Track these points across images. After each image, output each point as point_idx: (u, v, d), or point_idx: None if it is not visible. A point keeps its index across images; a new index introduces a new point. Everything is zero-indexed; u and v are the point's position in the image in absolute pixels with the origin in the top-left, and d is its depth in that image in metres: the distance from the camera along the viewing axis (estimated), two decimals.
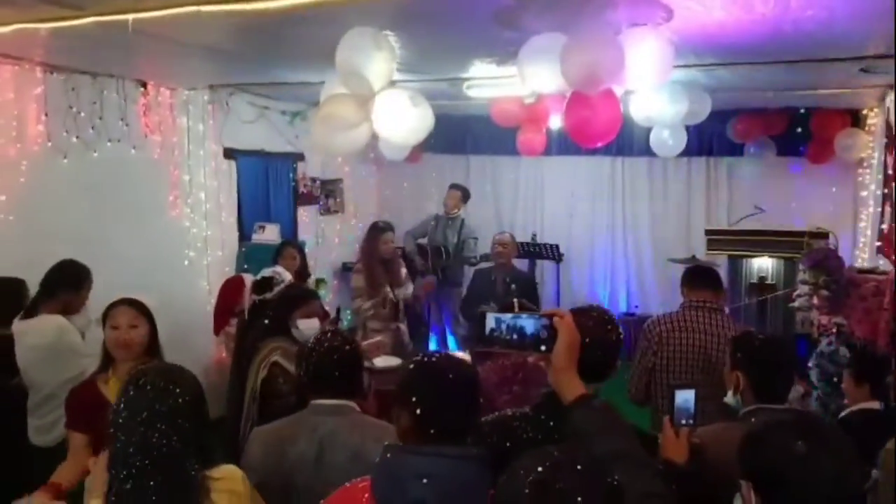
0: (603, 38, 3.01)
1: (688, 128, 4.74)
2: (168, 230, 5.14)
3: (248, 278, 4.22)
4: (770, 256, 5.39)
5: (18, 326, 3.25)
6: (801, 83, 4.79)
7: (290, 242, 5.21)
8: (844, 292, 3.93)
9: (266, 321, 3.21)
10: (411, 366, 1.60)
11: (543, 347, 1.50)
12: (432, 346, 6.20)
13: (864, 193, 5.77)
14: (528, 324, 1.52)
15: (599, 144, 3.81)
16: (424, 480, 1.38)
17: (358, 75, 3.04)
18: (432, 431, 1.47)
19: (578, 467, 1.10)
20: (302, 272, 4.72)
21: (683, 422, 1.83)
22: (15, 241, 3.93)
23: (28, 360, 3.22)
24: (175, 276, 5.13)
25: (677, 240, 6.79)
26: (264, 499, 1.93)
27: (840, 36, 3.27)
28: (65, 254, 3.52)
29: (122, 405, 1.70)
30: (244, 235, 5.88)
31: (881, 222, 4.65)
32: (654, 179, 7.02)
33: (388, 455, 1.47)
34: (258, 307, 3.47)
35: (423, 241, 6.39)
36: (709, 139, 6.48)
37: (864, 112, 5.84)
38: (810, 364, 3.41)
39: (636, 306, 6.98)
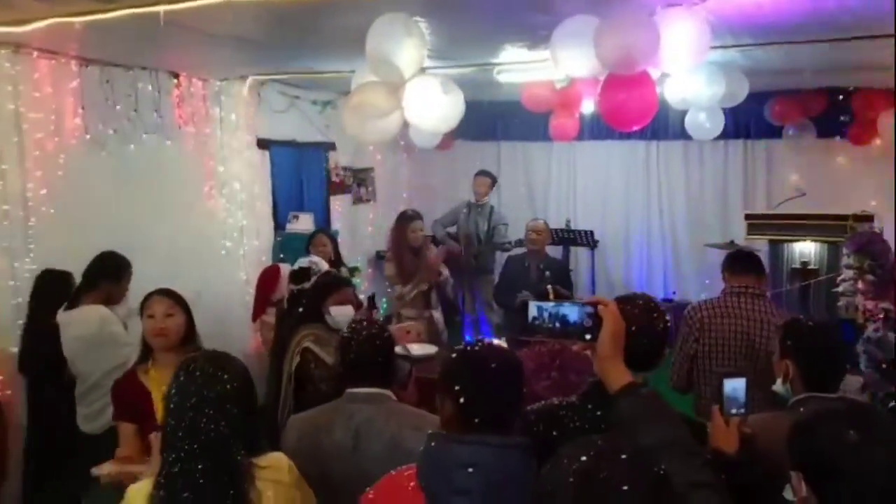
0: (638, 20, 2.95)
1: (724, 110, 4.63)
2: (205, 221, 5.20)
3: (285, 267, 4.27)
4: (812, 241, 5.25)
5: (63, 317, 3.33)
6: (843, 62, 4.63)
7: (322, 230, 5.24)
8: (890, 276, 3.82)
9: (301, 309, 3.25)
10: (454, 354, 1.59)
11: (588, 336, 1.48)
12: (466, 334, 6.18)
13: None
14: (572, 312, 1.50)
15: (635, 128, 3.74)
16: (469, 470, 1.38)
17: (388, 63, 3.02)
18: (476, 420, 1.47)
19: (623, 456, 1.08)
20: (334, 260, 4.75)
21: (734, 411, 1.79)
22: (56, 234, 4.00)
23: (73, 350, 3.29)
24: (212, 266, 5.19)
25: (714, 224, 6.66)
26: None
27: (884, 11, 3.15)
28: (104, 245, 3.58)
29: (173, 390, 1.73)
30: (279, 225, 5.93)
31: None
32: (689, 163, 6.89)
33: (433, 444, 1.47)
34: (296, 296, 3.52)
35: (453, 229, 6.36)
36: (746, 121, 6.33)
37: None
38: (858, 349, 3.32)
39: (673, 292, 6.88)
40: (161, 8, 2.82)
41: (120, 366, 2.98)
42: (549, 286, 3.50)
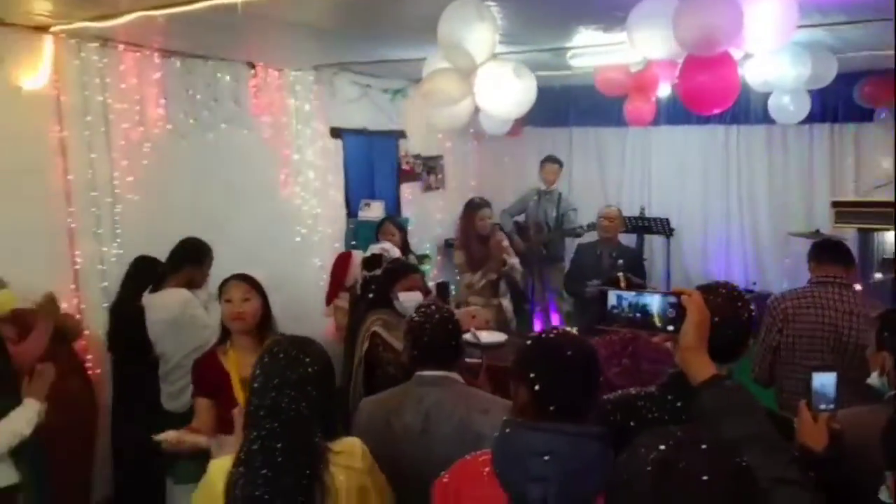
0: None
1: (810, 92, 4.40)
2: (280, 208, 5.33)
3: (357, 254, 4.35)
4: None
5: (147, 300, 3.48)
6: None
7: (390, 218, 5.29)
8: None
9: (371, 295, 3.30)
10: (529, 341, 1.58)
11: (671, 327, 1.43)
12: (536, 323, 6.13)
13: None
14: (653, 302, 1.45)
15: (715, 112, 3.61)
16: (545, 457, 1.36)
17: (460, 48, 3.00)
18: (551, 408, 1.45)
19: (704, 446, 1.04)
20: (402, 248, 4.79)
21: (822, 406, 1.71)
22: (141, 220, 4.18)
23: (157, 331, 3.44)
24: (288, 252, 5.32)
25: (798, 212, 6.36)
26: None
27: None
28: (186, 231, 3.71)
29: (257, 371, 1.79)
30: (351, 212, 6.02)
31: None
32: (772, 148, 6.59)
33: (507, 430, 1.46)
34: (367, 283, 3.57)
35: (521, 218, 6.31)
36: (833, 104, 5.99)
37: None
38: None
39: (754, 283, 6.62)
40: None
41: (201, 347, 3.09)
42: (619, 273, 3.42)
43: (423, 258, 5.73)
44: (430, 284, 4.35)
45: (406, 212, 6.62)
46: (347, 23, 3.83)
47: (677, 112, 6.17)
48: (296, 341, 1.85)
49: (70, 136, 3.84)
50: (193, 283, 3.55)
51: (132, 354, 3.62)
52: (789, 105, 4.45)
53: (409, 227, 6.24)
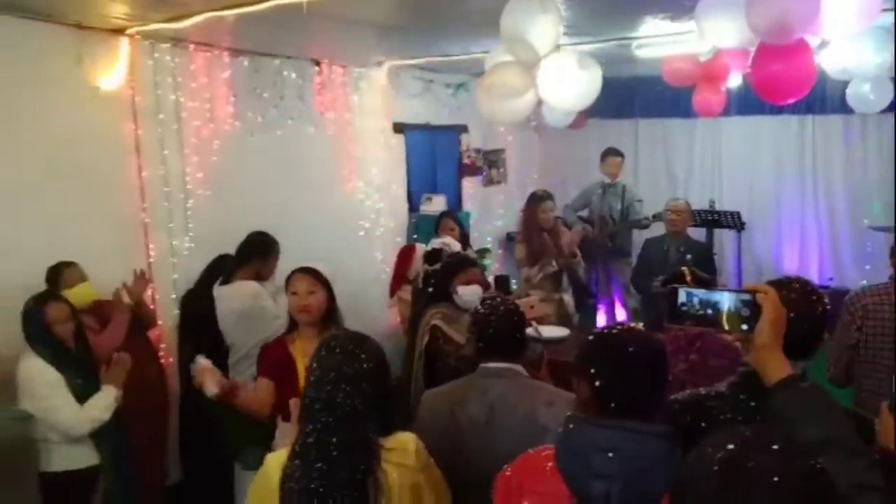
0: None
1: (893, 80, 4.17)
2: (344, 203, 5.41)
3: (420, 247, 4.39)
4: None
5: (218, 292, 3.59)
6: None
7: (448, 213, 5.30)
8: None
9: (430, 289, 3.32)
10: (591, 337, 1.55)
11: (745, 326, 1.38)
12: (600, 318, 6.04)
13: None
14: (725, 299, 1.40)
15: (790, 101, 3.46)
16: (609, 454, 1.34)
17: (523, 41, 2.97)
18: (612, 405, 1.43)
19: (775, 447, 0.99)
20: (462, 242, 4.79)
21: None
22: (212, 215, 4.32)
23: (227, 322, 3.54)
24: (351, 246, 5.40)
25: (878, 206, 6.05)
26: (436, 462, 1.96)
27: None
28: (254, 225, 3.81)
29: (314, 364, 1.81)
30: (413, 207, 6.06)
31: None
32: (850, 139, 6.29)
33: (571, 426, 1.44)
34: (428, 276, 3.60)
35: (584, 213, 6.21)
36: None
37: None
38: None
39: (830, 279, 6.34)
40: None
41: (268, 337, 3.16)
42: (683, 268, 3.31)
43: (483, 252, 5.72)
44: (490, 278, 4.35)
45: (467, 206, 6.62)
46: (410, 19, 3.85)
47: (749, 102, 5.94)
48: (352, 337, 1.87)
49: (144, 134, 4.00)
50: (261, 276, 3.64)
51: (202, 344, 3.74)
52: (869, 94, 4.22)
53: (471, 221, 6.26)
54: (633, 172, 7.00)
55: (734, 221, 6.20)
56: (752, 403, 1.46)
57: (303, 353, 2.65)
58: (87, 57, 3.65)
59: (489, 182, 7.00)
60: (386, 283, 4.94)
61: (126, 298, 3.50)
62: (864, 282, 5.14)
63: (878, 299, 2.85)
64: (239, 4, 3.14)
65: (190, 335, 3.90)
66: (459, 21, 3.81)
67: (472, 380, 2.19)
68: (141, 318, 3.62)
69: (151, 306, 3.93)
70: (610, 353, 1.49)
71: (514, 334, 2.19)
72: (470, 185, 6.76)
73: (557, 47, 3.10)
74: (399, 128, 5.86)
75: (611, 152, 6.08)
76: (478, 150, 6.80)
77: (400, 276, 4.61)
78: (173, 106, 4.14)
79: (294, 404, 1.91)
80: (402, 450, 1.79)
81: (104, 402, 2.91)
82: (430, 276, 3.59)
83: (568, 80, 3.01)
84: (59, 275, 3.25)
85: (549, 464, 1.44)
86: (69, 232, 3.55)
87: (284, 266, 3.57)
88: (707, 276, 4.47)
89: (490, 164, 7.00)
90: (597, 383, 1.44)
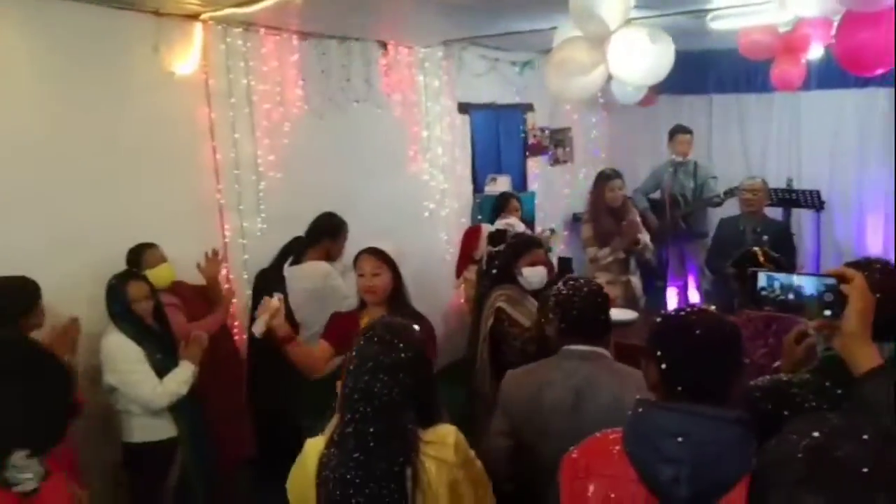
0: None
1: None
2: (409, 184, 5.44)
3: (486, 227, 4.39)
4: None
5: (289, 272, 3.68)
6: None
7: (508, 193, 5.24)
8: None
9: (494, 270, 3.30)
10: (659, 318, 1.52)
11: (829, 312, 1.32)
12: (671, 301, 5.90)
13: None
14: (808, 284, 1.34)
15: (877, 72, 3.28)
16: (679, 439, 1.31)
17: (592, 15, 2.90)
18: (679, 388, 1.40)
19: (865, 436, 0.94)
20: (525, 222, 4.76)
21: None
22: (283, 196, 4.41)
23: (298, 300, 3.63)
24: (416, 227, 5.43)
25: None
26: (518, 443, 1.94)
27: None
28: (323, 206, 3.88)
29: (353, 353, 1.79)
30: (477, 187, 6.04)
31: None
32: None
33: (640, 409, 1.42)
34: (492, 258, 3.59)
35: (657, 195, 6.03)
36: None
37: None
38: None
39: None
40: None
41: None
42: (755, 248, 3.16)
43: (550, 233, 5.65)
44: (553, 260, 4.30)
45: (532, 186, 6.55)
46: None
47: (831, 75, 5.66)
48: (392, 326, 1.84)
49: (217, 118, 4.10)
50: (330, 256, 3.72)
51: None
52: None
53: (536, 202, 6.19)
54: (707, 151, 6.76)
55: (813, 200, 5.93)
56: (839, 391, 1.40)
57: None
58: (163, 43, 3.75)
59: (555, 161, 6.90)
60: (451, 264, 4.95)
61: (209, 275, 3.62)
62: None
63: None
64: None
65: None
66: None
67: (554, 361, 2.15)
68: (213, 297, 3.73)
69: (226, 286, 4.05)
70: (677, 335, 1.45)
71: (598, 316, 2.14)
72: (535, 165, 6.68)
73: (628, 21, 3.02)
74: (464, 108, 5.84)
75: (679, 130, 5.89)
76: (543, 129, 6.71)
77: (466, 257, 4.63)
78: (245, 90, 4.23)
79: (340, 386, 1.90)
80: (442, 443, 1.75)
81: (182, 377, 3.03)
82: (494, 257, 3.57)
83: (638, 55, 2.93)
84: (141, 256, 3.38)
85: (617, 447, 1.43)
86: (148, 214, 3.69)
87: (350, 246, 3.64)
88: (780, 256, 4.30)
89: (556, 143, 6.90)
90: (663, 366, 1.42)
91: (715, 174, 5.80)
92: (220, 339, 3.64)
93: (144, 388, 2.97)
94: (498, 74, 6.06)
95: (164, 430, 3.06)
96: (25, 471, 1.40)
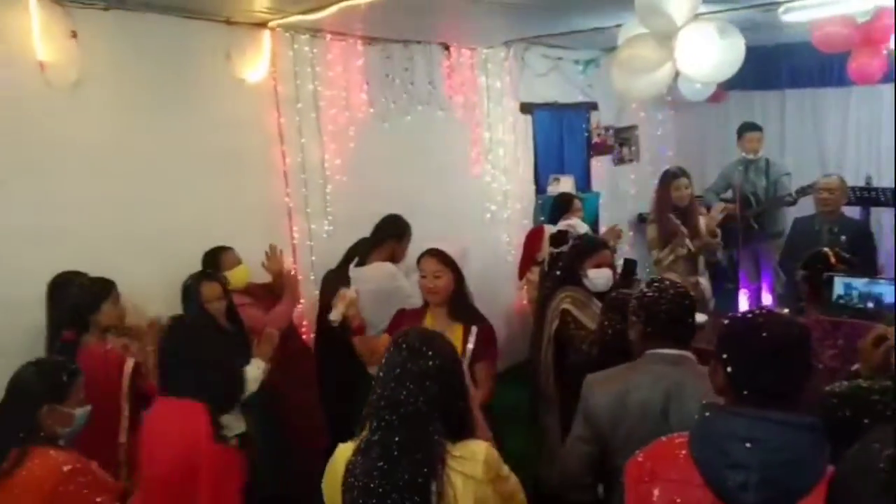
0: None
1: None
2: (471, 186, 5.45)
3: (549, 228, 4.35)
4: None
5: (355, 272, 3.75)
6: None
7: (572, 194, 5.18)
8: None
9: (558, 272, 3.28)
10: (726, 321, 1.49)
11: None
12: (742, 303, 5.72)
13: None
14: (888, 292, 1.29)
15: None
16: (748, 444, 1.28)
17: (659, 11, 2.85)
18: (745, 392, 1.37)
19: None
20: (588, 223, 4.71)
21: None
22: (349, 199, 4.50)
23: (363, 300, 3.67)
24: (478, 228, 5.44)
25: None
26: (602, 448, 1.92)
27: None
28: (387, 209, 3.93)
29: (383, 361, 1.77)
30: (539, 188, 6.00)
31: None
32: None
33: (707, 414, 1.39)
34: (554, 259, 3.57)
35: (728, 194, 5.85)
36: None
37: None
38: None
39: None
40: None
41: None
42: (825, 249, 3.00)
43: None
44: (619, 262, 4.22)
45: (596, 186, 6.47)
46: None
47: None
48: (422, 334, 1.81)
49: (285, 123, 4.21)
50: (395, 258, 3.76)
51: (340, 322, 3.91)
52: None
53: (600, 202, 6.11)
54: (780, 148, 6.53)
55: (894, 199, 5.65)
56: None
57: (431, 326, 2.76)
58: (234, 51, 3.89)
59: (620, 161, 6.79)
60: (513, 266, 4.94)
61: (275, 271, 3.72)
62: None
63: None
64: None
65: (328, 313, 4.08)
66: None
67: (640, 366, 2.11)
68: (281, 292, 3.81)
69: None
70: (744, 337, 1.42)
71: (686, 319, 2.08)
72: (599, 165, 6.59)
73: (696, 16, 2.95)
74: (526, 108, 5.81)
75: (748, 127, 5.70)
76: (608, 128, 6.61)
77: (529, 259, 4.61)
78: (311, 95, 4.33)
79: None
80: (471, 459, 1.69)
81: (253, 373, 3.11)
82: (557, 258, 3.55)
83: (707, 51, 2.87)
84: (218, 258, 3.51)
85: (683, 451, 1.41)
86: (221, 216, 3.83)
87: (412, 248, 3.68)
88: (853, 257, 4.13)
89: (621, 142, 6.78)
90: (729, 369, 1.40)
91: (788, 172, 5.59)
92: (290, 336, 3.74)
93: None
94: (561, 74, 6.01)
95: (235, 425, 3.16)
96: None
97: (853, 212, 5.41)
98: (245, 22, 3.89)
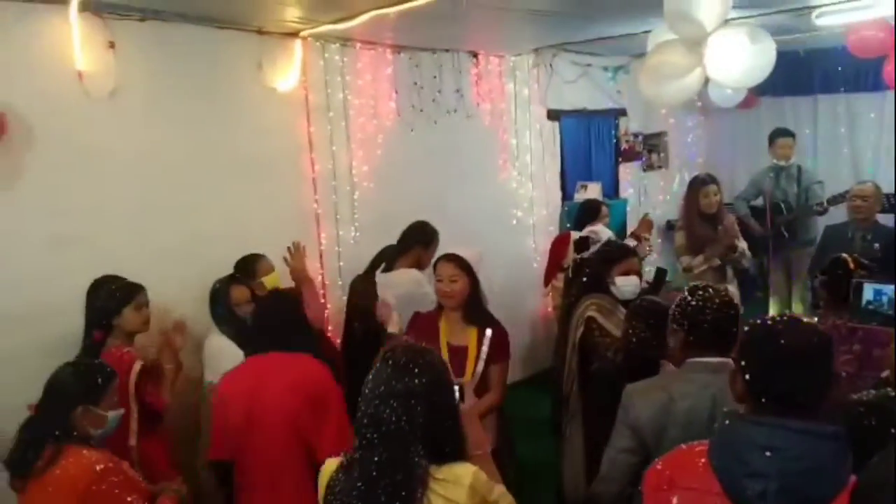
0: None
1: None
2: (497, 192, 5.46)
3: (575, 235, 4.34)
4: None
5: (381, 278, 3.77)
6: None
7: (598, 201, 5.15)
8: None
9: (584, 279, 3.26)
10: (746, 328, 1.48)
11: None
12: (772, 312, 5.63)
13: None
14: None
15: None
16: (767, 453, 1.27)
17: (688, 17, 2.84)
18: (763, 400, 1.36)
19: None
20: (615, 230, 4.68)
21: None
22: (376, 205, 4.55)
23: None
24: (504, 235, 5.45)
25: None
26: (647, 458, 1.91)
27: None
28: (413, 216, 3.96)
29: (370, 377, 1.69)
30: (566, 195, 5.99)
31: None
32: None
33: (727, 422, 1.38)
34: (578, 265, 3.55)
35: (758, 201, 5.77)
36: None
37: None
38: None
39: None
40: None
41: None
42: (844, 255, 2.93)
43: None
44: (648, 269, 4.19)
45: (625, 193, 6.43)
46: (568, 3, 3.79)
47: None
48: (410, 350, 1.70)
49: (315, 131, 4.27)
50: (421, 264, 3.78)
51: (368, 327, 3.94)
52: None
53: (628, 209, 6.07)
54: (812, 155, 6.45)
55: None
56: None
57: (446, 330, 2.84)
58: (265, 60, 3.95)
59: (649, 167, 6.74)
60: (538, 272, 4.93)
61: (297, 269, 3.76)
62: None
63: None
64: (402, 0, 3.26)
65: (355, 318, 4.12)
66: (619, 0, 3.70)
67: (682, 374, 2.09)
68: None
69: (321, 291, 4.18)
70: (761, 344, 1.41)
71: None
72: (627, 171, 6.55)
73: (726, 21, 2.94)
74: (554, 115, 5.80)
75: (780, 133, 5.62)
76: (637, 135, 6.57)
77: (555, 265, 4.60)
78: (341, 103, 4.39)
79: None
80: (455, 483, 1.61)
81: None
82: (582, 264, 3.52)
83: (737, 56, 2.85)
84: (252, 265, 3.57)
85: (702, 460, 1.40)
86: (251, 223, 3.89)
87: (438, 254, 3.69)
88: (866, 262, 4.03)
89: (650, 148, 6.74)
90: (747, 376, 1.39)
91: (820, 180, 5.50)
92: (318, 339, 3.77)
93: None
94: (589, 80, 6.00)
95: None
96: None
97: (887, 219, 5.31)
98: (277, 32, 3.96)
